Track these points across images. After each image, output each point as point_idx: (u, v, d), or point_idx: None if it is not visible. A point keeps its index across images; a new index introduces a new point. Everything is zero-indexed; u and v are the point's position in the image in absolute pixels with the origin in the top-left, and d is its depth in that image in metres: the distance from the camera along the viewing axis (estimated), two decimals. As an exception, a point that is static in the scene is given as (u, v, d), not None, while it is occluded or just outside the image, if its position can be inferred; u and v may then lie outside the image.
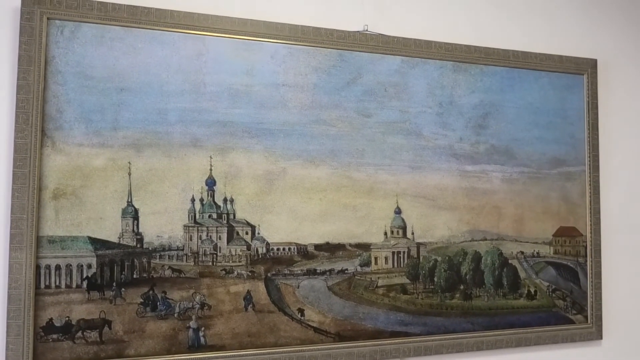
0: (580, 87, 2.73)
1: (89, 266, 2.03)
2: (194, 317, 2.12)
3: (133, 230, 2.08)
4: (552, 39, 2.74)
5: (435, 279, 2.47)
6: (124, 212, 2.07)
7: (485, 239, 2.55)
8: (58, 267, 1.99)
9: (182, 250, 2.14)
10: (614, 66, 2.85)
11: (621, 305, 2.79)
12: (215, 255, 2.20)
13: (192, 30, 2.15)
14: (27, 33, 1.96)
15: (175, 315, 2.10)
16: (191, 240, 2.16)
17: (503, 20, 2.68)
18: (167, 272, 2.12)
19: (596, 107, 2.74)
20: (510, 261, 2.59)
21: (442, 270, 2.47)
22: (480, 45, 2.56)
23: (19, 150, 1.94)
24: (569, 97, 2.71)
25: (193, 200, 2.16)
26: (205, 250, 2.18)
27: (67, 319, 1.98)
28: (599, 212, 2.72)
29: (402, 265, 2.43)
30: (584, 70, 2.73)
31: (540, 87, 2.67)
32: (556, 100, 2.69)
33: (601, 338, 2.71)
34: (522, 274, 2.60)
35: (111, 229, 2.05)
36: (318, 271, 2.31)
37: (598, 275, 2.71)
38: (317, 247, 2.31)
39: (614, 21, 2.90)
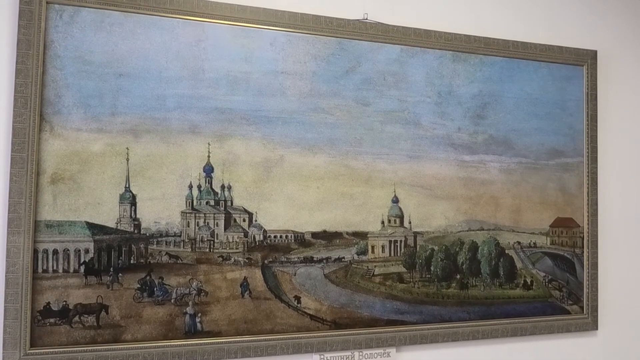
0: (580, 79, 2.73)
1: (87, 251, 2.03)
2: (190, 303, 2.13)
3: (131, 215, 2.08)
4: (552, 30, 2.74)
5: (432, 268, 2.47)
6: (122, 198, 2.07)
7: (482, 229, 2.56)
8: (55, 252, 2.00)
9: (180, 236, 2.15)
10: (614, 58, 2.84)
11: (617, 296, 2.80)
12: (212, 241, 2.20)
13: (192, 16, 2.15)
14: (26, 17, 1.95)
15: (172, 301, 2.11)
16: (188, 226, 2.17)
17: (503, 11, 2.67)
18: (164, 258, 2.13)
19: (595, 99, 2.74)
20: (507, 251, 2.59)
21: (439, 259, 2.48)
22: (480, 35, 2.55)
23: (17, 135, 1.94)
24: (568, 88, 2.71)
25: (191, 186, 2.16)
26: (202, 236, 2.19)
27: (64, 303, 1.99)
28: (596, 204, 2.72)
29: (398, 254, 2.44)
30: (584, 61, 2.73)
31: (540, 78, 2.66)
32: (555, 91, 2.69)
33: (597, 328, 2.72)
34: (518, 264, 2.61)
35: (109, 215, 2.06)
36: (315, 259, 2.31)
37: (594, 266, 2.71)
38: (314, 235, 2.31)
39: (615, 13, 2.89)
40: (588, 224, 2.71)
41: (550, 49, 2.67)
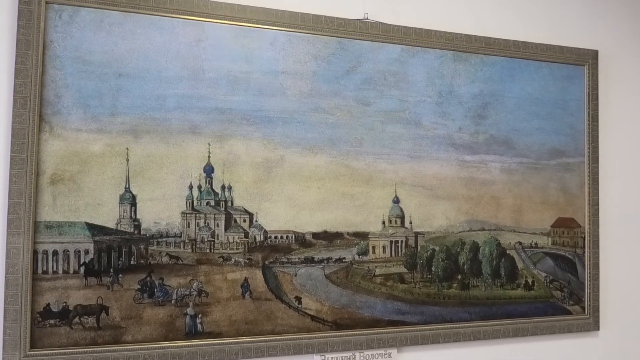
0: (581, 78, 2.72)
1: (87, 252, 2.02)
2: (191, 304, 2.12)
3: (131, 216, 2.07)
4: (553, 30, 2.73)
5: (433, 269, 2.46)
6: (122, 198, 2.06)
7: (484, 229, 2.55)
8: (55, 253, 1.99)
9: (180, 237, 2.14)
10: (615, 57, 2.83)
11: (618, 296, 2.79)
12: (212, 242, 2.19)
13: (191, 16, 2.14)
14: (26, 17, 1.94)
15: (173, 302, 2.10)
16: (189, 227, 2.16)
17: (504, 10, 2.66)
18: (165, 259, 2.12)
19: (596, 99, 2.73)
20: (508, 251, 2.59)
21: (440, 259, 2.47)
22: (480, 34, 2.55)
23: (16, 135, 1.93)
24: (569, 88, 2.70)
25: (191, 187, 2.15)
26: (202, 237, 2.18)
27: (64, 304, 1.98)
28: (597, 204, 2.72)
29: (399, 255, 2.43)
30: (585, 61, 2.72)
31: (541, 78, 2.65)
32: (556, 91, 2.68)
33: (598, 329, 2.71)
34: (519, 265, 2.60)
35: (109, 215, 2.05)
36: (316, 259, 2.30)
37: (596, 266, 2.71)
38: (315, 235, 2.30)
39: (616, 12, 2.88)
40: (589, 224, 2.70)
41: (551, 49, 2.66)
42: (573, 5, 2.80)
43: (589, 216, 2.70)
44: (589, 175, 2.71)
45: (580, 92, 2.72)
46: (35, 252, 1.96)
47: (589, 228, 2.70)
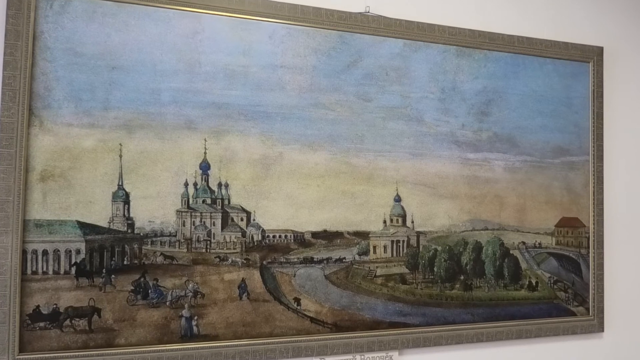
0: (586, 75, 2.69)
1: (78, 252, 1.97)
2: (186, 305, 2.07)
3: (124, 214, 2.02)
4: (558, 26, 2.70)
5: (435, 269, 2.42)
6: (115, 196, 2.01)
7: (487, 229, 2.51)
8: (45, 252, 1.94)
9: (175, 236, 2.09)
10: (621, 54, 2.80)
11: (623, 297, 2.76)
12: (209, 241, 2.14)
13: (188, 7, 2.09)
14: (15, 6, 1.89)
15: (168, 303, 2.05)
16: (184, 226, 2.11)
17: (508, 5, 2.63)
18: (159, 259, 2.07)
19: (601, 96, 2.70)
20: (511, 251, 2.55)
21: (442, 260, 2.43)
22: (484, 30, 2.51)
23: (5, 130, 1.88)
24: (574, 85, 2.67)
25: (186, 184, 2.10)
26: (198, 236, 2.13)
27: (54, 306, 1.93)
28: (602, 203, 2.69)
29: (401, 255, 2.39)
30: (590, 58, 2.69)
31: (545, 75, 2.62)
32: (561, 88, 2.65)
33: (602, 330, 2.68)
34: (523, 265, 2.57)
35: (101, 214, 1.99)
36: (315, 259, 2.25)
37: (600, 267, 2.68)
38: (315, 234, 2.26)
39: (622, 9, 2.86)
40: (594, 223, 2.67)
41: (556, 45, 2.62)
42: (578, 1, 2.76)
43: (594, 216, 2.67)
44: (594, 174, 2.68)
45: (585, 89, 2.68)
46: (24, 252, 1.90)
47: (594, 228, 2.67)
